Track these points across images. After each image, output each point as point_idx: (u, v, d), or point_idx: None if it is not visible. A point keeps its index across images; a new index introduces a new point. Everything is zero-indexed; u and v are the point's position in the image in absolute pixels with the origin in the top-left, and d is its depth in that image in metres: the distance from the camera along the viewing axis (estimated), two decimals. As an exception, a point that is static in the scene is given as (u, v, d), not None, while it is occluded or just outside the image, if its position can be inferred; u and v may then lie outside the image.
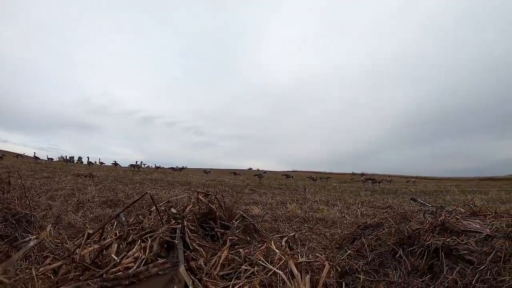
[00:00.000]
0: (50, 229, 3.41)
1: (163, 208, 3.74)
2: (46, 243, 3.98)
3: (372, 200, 12.56)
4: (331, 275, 2.82)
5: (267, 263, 2.72)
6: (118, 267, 2.39)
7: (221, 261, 2.73)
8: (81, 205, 7.42)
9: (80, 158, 67.79)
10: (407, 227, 4.11)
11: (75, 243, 3.29)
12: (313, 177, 31.54)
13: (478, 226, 3.79)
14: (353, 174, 63.66)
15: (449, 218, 3.95)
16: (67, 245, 3.32)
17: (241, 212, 4.68)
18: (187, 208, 3.92)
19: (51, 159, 46.17)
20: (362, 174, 42.64)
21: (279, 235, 4.23)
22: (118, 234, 3.13)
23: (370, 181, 26.04)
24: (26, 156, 45.02)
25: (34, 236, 3.38)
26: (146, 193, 3.47)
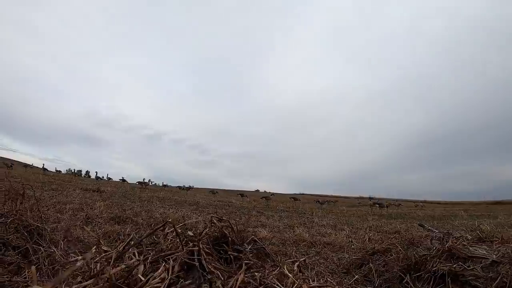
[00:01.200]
0: (93, 251, 3.52)
1: (179, 230, 3.86)
2: (57, 257, 4.11)
3: (380, 225, 12.53)
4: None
5: (282, 286, 2.83)
6: (146, 287, 2.51)
7: (238, 283, 2.83)
8: (89, 220, 7.51)
9: (88, 172, 68.07)
10: (414, 253, 4.19)
11: (96, 262, 3.40)
12: (319, 201, 31.51)
13: (485, 252, 3.89)
14: (360, 198, 63.24)
15: (456, 244, 4.05)
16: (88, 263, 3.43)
17: (253, 236, 4.78)
18: (204, 231, 4.04)
19: (59, 171, 46.53)
20: (370, 198, 42.56)
21: (291, 260, 4.34)
22: (138, 255, 3.26)
23: (378, 205, 26.03)
24: (35, 166, 45.29)
25: (80, 257, 3.51)
26: (167, 221, 3.61)
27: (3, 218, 4.54)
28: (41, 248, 4.32)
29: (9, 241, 4.16)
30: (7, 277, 3.41)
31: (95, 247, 3.91)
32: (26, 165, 43.27)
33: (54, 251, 4.35)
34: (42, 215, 5.47)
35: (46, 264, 3.90)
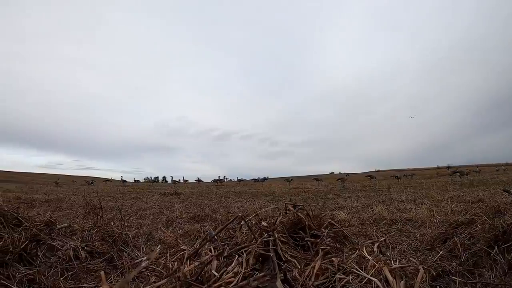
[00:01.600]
0: (158, 250, 3.65)
1: (253, 221, 3.87)
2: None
3: (461, 194, 12.00)
4: (423, 279, 2.80)
5: (361, 271, 2.77)
6: (219, 283, 2.54)
7: (315, 271, 2.80)
8: (170, 222, 7.79)
9: (164, 178, 70.49)
10: (501, 221, 3.96)
11: (172, 261, 3.48)
12: (397, 176, 30.71)
13: None
14: (438, 168, 61.04)
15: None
16: (166, 263, 3.53)
17: (330, 220, 4.72)
18: (277, 220, 4.03)
19: (138, 181, 48.78)
20: (448, 167, 40.93)
21: (370, 241, 4.24)
22: (214, 250, 3.31)
23: (458, 173, 24.95)
24: (114, 180, 47.54)
25: (145, 257, 3.65)
26: (238, 216, 3.64)
27: (89, 231, 4.78)
28: (125, 254, 4.52)
29: (95, 249, 4.36)
30: (93, 284, 3.60)
31: (159, 246, 4.03)
32: (106, 180, 45.59)
33: (138, 255, 4.53)
34: (125, 223, 5.71)
35: (130, 268, 4.07)
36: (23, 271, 3.42)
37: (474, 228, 4.33)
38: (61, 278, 3.57)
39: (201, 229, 6.61)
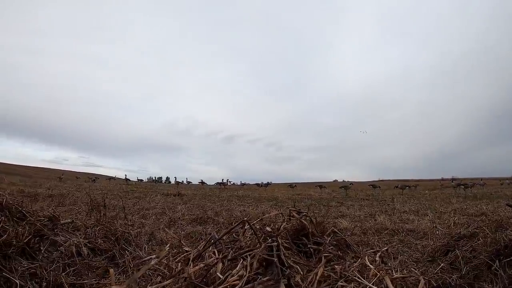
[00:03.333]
0: (167, 249, 3.68)
1: (257, 226, 3.90)
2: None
3: (465, 207, 11.96)
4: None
5: (362, 279, 2.78)
6: (224, 285, 2.56)
7: (317, 277, 2.82)
8: (172, 223, 7.83)
9: (168, 178, 70.77)
10: (503, 236, 3.98)
11: (176, 261, 3.51)
12: (400, 186, 30.65)
13: None
14: (442, 179, 60.91)
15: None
16: (169, 263, 3.55)
17: (333, 227, 4.74)
18: (281, 226, 4.05)
19: (141, 180, 48.88)
20: (453, 180, 40.79)
21: (372, 250, 4.26)
22: (218, 253, 3.33)
23: (462, 186, 24.91)
24: (118, 178, 47.74)
25: (154, 256, 3.68)
26: (243, 220, 3.67)
27: (92, 228, 4.82)
28: (127, 252, 4.55)
29: (98, 246, 4.40)
30: (95, 280, 3.64)
31: (168, 245, 4.06)
32: (110, 178, 45.91)
33: (139, 254, 4.56)
34: (128, 221, 5.75)
35: (132, 266, 4.11)
36: (25, 265, 3.45)
37: (476, 242, 4.33)
38: (63, 274, 3.60)
39: (203, 231, 6.64)
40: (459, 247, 4.50)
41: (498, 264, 3.58)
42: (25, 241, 3.71)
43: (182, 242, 5.01)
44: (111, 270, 1.88)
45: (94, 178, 39.37)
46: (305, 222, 4.29)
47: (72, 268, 3.81)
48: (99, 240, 4.54)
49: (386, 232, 6.95)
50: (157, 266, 3.53)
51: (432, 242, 5.87)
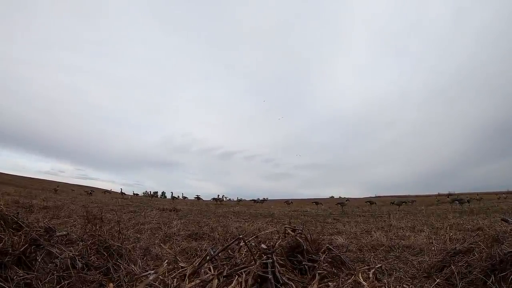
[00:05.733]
0: (165, 265, 3.67)
1: (253, 243, 3.90)
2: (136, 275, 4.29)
3: (461, 222, 11.94)
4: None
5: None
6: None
7: (311, 294, 2.81)
8: (167, 238, 7.79)
9: (163, 193, 70.24)
10: (498, 251, 3.98)
11: (171, 277, 3.49)
12: (397, 202, 30.59)
13: None
14: (439, 195, 60.82)
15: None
16: (164, 279, 3.53)
17: (327, 245, 4.73)
18: (276, 243, 4.05)
19: (137, 194, 48.64)
20: (449, 195, 40.79)
21: (366, 267, 4.25)
22: (214, 269, 3.33)
23: (458, 201, 24.90)
24: (113, 191, 47.49)
25: (153, 271, 3.66)
26: (238, 237, 3.67)
27: (85, 241, 4.79)
28: (121, 267, 4.53)
29: (91, 262, 4.37)
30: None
31: (166, 261, 4.05)
32: (105, 191, 45.71)
33: (134, 269, 4.53)
34: (122, 236, 5.72)
35: (126, 281, 4.08)
36: (21, 274, 3.45)
37: (472, 257, 4.34)
38: (58, 286, 3.59)
39: (198, 247, 6.61)
40: (454, 262, 4.50)
41: (493, 279, 3.59)
42: (21, 249, 3.71)
43: (178, 258, 5.00)
44: (111, 284, 1.87)
45: (90, 191, 39.17)
46: (300, 240, 4.29)
47: (67, 281, 3.79)
48: (93, 254, 4.53)
49: (382, 248, 6.92)
50: (152, 282, 3.52)
51: (428, 258, 5.85)
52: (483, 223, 10.86)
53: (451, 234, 8.41)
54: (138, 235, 7.79)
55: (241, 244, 3.95)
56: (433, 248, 6.70)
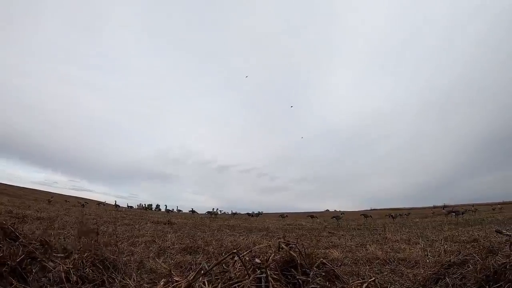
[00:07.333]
0: (161, 283, 3.67)
1: (247, 258, 3.90)
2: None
3: (457, 234, 11.96)
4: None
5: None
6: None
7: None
8: (161, 251, 7.75)
9: (158, 206, 70.05)
10: (492, 262, 3.99)
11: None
12: (392, 215, 30.58)
13: None
14: (434, 207, 60.91)
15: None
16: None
17: (322, 259, 4.73)
18: (270, 258, 4.05)
19: (131, 207, 48.59)
20: (444, 207, 40.78)
21: (359, 281, 4.25)
22: (208, 284, 3.32)
23: (453, 213, 24.94)
24: (108, 204, 47.36)
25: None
26: (233, 252, 3.67)
27: (81, 254, 4.77)
28: (116, 280, 4.51)
29: (86, 274, 4.35)
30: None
31: (163, 279, 4.03)
32: (99, 203, 45.69)
33: (128, 282, 4.51)
34: (117, 249, 5.69)
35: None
36: (17, 286, 3.43)
37: (466, 269, 4.36)
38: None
39: (193, 261, 6.58)
40: (449, 275, 4.51)
41: (487, 289, 3.59)
42: (17, 261, 3.70)
43: (172, 271, 4.98)
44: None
45: (83, 203, 39.12)
46: (293, 254, 4.30)
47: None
48: (89, 266, 4.50)
49: (377, 261, 6.92)
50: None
51: (423, 270, 5.86)
52: (478, 235, 10.89)
53: (446, 246, 8.42)
54: (132, 248, 7.73)
55: (235, 259, 3.95)
56: (427, 260, 6.71)
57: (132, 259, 6.33)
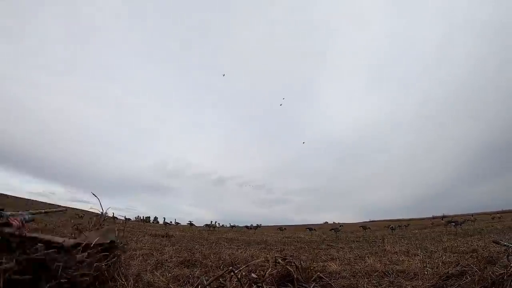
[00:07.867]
0: None
1: (244, 273, 3.89)
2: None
3: (456, 244, 11.93)
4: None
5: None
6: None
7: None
8: (159, 264, 7.70)
9: (156, 218, 69.84)
10: (490, 273, 3.98)
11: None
12: (391, 226, 30.56)
13: None
14: (433, 218, 60.93)
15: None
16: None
17: (319, 273, 4.72)
18: (267, 273, 4.04)
19: (129, 219, 48.25)
20: (443, 217, 40.89)
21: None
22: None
23: (452, 223, 24.93)
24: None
25: None
26: (230, 268, 3.66)
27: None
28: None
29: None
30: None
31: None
32: (97, 215, 45.46)
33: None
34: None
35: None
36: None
37: (464, 280, 4.35)
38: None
39: (191, 274, 6.54)
40: (447, 286, 4.50)
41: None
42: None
43: (170, 285, 4.96)
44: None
45: (81, 214, 39.00)
46: (290, 269, 4.30)
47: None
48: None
49: (376, 274, 6.88)
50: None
51: (421, 282, 5.84)
52: (477, 245, 10.90)
53: (444, 257, 8.39)
54: (130, 261, 7.69)
55: (232, 274, 3.94)
56: (426, 272, 6.68)
57: (129, 272, 6.29)
